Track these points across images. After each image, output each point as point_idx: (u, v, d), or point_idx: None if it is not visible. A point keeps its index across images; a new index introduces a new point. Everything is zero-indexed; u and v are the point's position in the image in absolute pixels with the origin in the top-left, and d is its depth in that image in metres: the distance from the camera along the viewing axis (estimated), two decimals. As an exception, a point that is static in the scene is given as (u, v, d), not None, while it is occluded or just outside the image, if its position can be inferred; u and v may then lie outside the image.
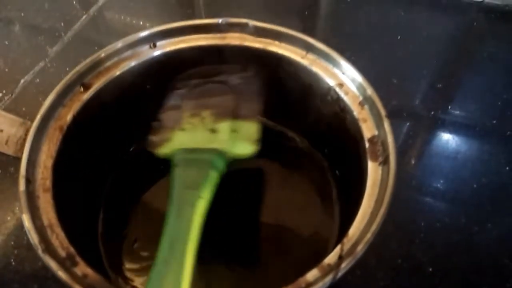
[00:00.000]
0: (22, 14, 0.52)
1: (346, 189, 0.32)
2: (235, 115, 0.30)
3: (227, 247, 0.31)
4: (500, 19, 0.49)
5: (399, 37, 0.47)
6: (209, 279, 0.29)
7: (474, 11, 0.50)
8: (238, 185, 0.31)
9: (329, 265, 0.22)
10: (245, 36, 0.32)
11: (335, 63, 0.30)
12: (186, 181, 0.26)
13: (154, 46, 0.32)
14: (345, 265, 0.21)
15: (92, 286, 0.22)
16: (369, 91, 0.28)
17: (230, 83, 0.32)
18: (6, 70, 0.46)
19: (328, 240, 0.30)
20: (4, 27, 0.51)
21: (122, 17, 0.51)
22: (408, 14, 0.51)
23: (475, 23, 0.50)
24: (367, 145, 0.27)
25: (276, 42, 0.32)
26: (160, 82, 0.34)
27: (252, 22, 0.32)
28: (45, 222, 0.24)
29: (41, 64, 0.45)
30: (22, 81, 0.44)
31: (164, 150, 0.29)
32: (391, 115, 0.27)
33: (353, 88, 0.30)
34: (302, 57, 0.31)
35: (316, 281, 0.21)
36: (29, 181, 0.26)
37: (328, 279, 0.21)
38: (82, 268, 0.23)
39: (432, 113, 0.41)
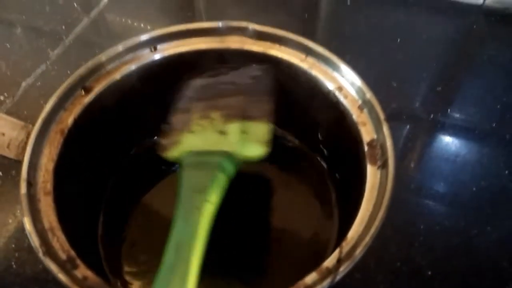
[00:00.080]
0: (24, 17, 0.52)
1: (346, 192, 0.32)
2: (245, 116, 0.29)
3: (225, 250, 0.31)
4: (500, 22, 0.50)
5: (398, 40, 0.47)
6: (208, 282, 0.29)
7: (474, 14, 0.50)
8: (237, 188, 0.31)
9: (327, 268, 0.22)
10: (245, 40, 0.33)
11: (334, 67, 0.31)
12: (193, 184, 0.26)
13: (155, 49, 0.33)
14: (343, 269, 0.22)
15: (92, 289, 0.22)
16: (368, 94, 0.28)
17: (240, 83, 0.31)
18: (8, 73, 0.46)
19: (328, 243, 0.31)
20: (5, 29, 0.52)
21: (123, 20, 0.52)
22: (407, 17, 0.51)
23: (475, 26, 0.50)
24: (366, 148, 0.27)
25: (276, 46, 0.32)
26: (160, 85, 0.34)
27: (252, 26, 0.32)
28: (46, 225, 0.25)
29: (43, 67, 0.46)
30: (23, 84, 0.44)
31: (173, 153, 0.29)
32: (390, 118, 0.28)
33: (352, 91, 0.30)
34: (302, 61, 0.32)
35: (314, 284, 0.21)
36: (30, 184, 0.26)
37: (327, 282, 0.21)
38: (82, 271, 0.23)
39: (432, 116, 0.41)
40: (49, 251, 0.23)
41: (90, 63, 0.31)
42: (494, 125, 0.40)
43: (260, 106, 0.29)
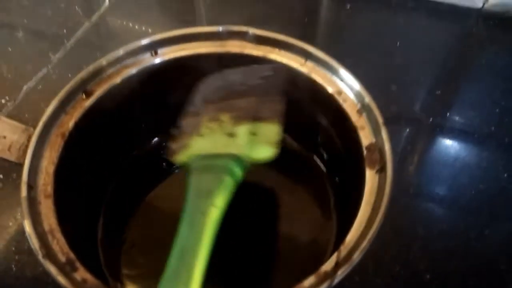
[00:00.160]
0: (25, 21, 0.52)
1: (345, 196, 0.32)
2: (255, 117, 0.28)
3: (224, 253, 0.31)
4: (499, 26, 0.50)
5: (398, 44, 0.47)
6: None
7: (473, 18, 0.51)
8: (236, 192, 0.32)
9: (325, 272, 0.22)
10: (245, 44, 0.33)
11: (333, 71, 0.31)
12: (199, 188, 0.25)
13: (155, 53, 0.33)
14: (341, 272, 0.22)
15: (91, 292, 0.22)
16: (367, 99, 0.28)
17: (251, 83, 0.31)
18: (9, 76, 0.46)
19: (326, 247, 0.31)
20: (7, 33, 0.52)
21: (124, 24, 0.52)
22: (407, 21, 0.51)
23: (474, 30, 0.50)
24: (364, 152, 0.27)
25: (276, 50, 0.32)
26: (161, 89, 0.34)
27: (252, 30, 0.32)
28: (46, 228, 0.25)
29: (44, 70, 0.46)
30: (25, 87, 0.44)
31: (181, 158, 0.28)
32: (390, 122, 0.28)
33: (352, 95, 0.30)
34: (301, 65, 0.32)
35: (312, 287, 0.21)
36: (31, 187, 0.26)
37: (324, 286, 0.21)
38: (81, 274, 0.23)
39: (431, 119, 0.41)
40: (49, 254, 0.23)
41: (91, 67, 0.31)
42: (493, 128, 0.41)
43: (271, 107, 0.29)
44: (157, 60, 0.33)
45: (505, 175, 0.37)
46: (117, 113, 0.33)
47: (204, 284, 0.22)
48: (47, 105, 0.29)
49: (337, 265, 0.22)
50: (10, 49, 0.49)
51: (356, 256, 0.22)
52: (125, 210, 0.34)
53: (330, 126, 0.32)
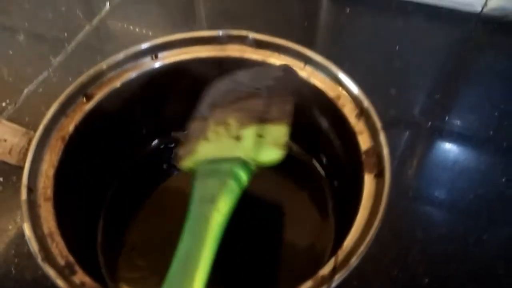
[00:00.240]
0: (26, 24, 0.53)
1: (343, 200, 0.32)
2: (263, 118, 0.27)
3: (220, 257, 0.31)
4: (498, 30, 0.50)
5: (397, 48, 0.48)
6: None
7: (472, 22, 0.51)
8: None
9: (323, 276, 0.22)
10: (245, 48, 0.33)
11: (333, 75, 0.31)
12: (203, 193, 0.25)
13: (156, 57, 0.33)
14: (338, 277, 0.22)
15: (90, 295, 0.22)
16: (366, 103, 0.29)
17: (261, 85, 0.30)
18: (10, 79, 0.46)
19: (325, 251, 0.31)
20: (8, 36, 0.52)
21: (125, 27, 0.52)
22: (406, 24, 0.51)
23: (473, 34, 0.50)
24: (363, 157, 0.27)
25: (275, 54, 0.33)
26: (161, 92, 0.34)
27: (251, 35, 0.33)
28: (46, 231, 0.25)
29: (45, 74, 0.46)
30: (25, 90, 0.44)
31: (187, 164, 0.28)
32: (389, 125, 0.28)
33: (350, 100, 0.30)
34: (301, 69, 0.32)
35: (310, 292, 0.21)
36: (31, 190, 0.26)
37: (322, 290, 0.21)
38: (80, 277, 0.23)
39: (430, 123, 0.41)
40: (48, 257, 0.23)
41: (91, 71, 0.31)
42: (491, 132, 0.41)
43: (279, 107, 0.28)
44: (158, 64, 0.33)
45: (504, 179, 0.37)
46: (117, 116, 0.33)
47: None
48: (47, 109, 0.29)
49: (335, 270, 0.22)
50: (11, 52, 0.49)
51: (354, 261, 0.22)
52: (125, 213, 0.34)
53: (329, 130, 0.32)
